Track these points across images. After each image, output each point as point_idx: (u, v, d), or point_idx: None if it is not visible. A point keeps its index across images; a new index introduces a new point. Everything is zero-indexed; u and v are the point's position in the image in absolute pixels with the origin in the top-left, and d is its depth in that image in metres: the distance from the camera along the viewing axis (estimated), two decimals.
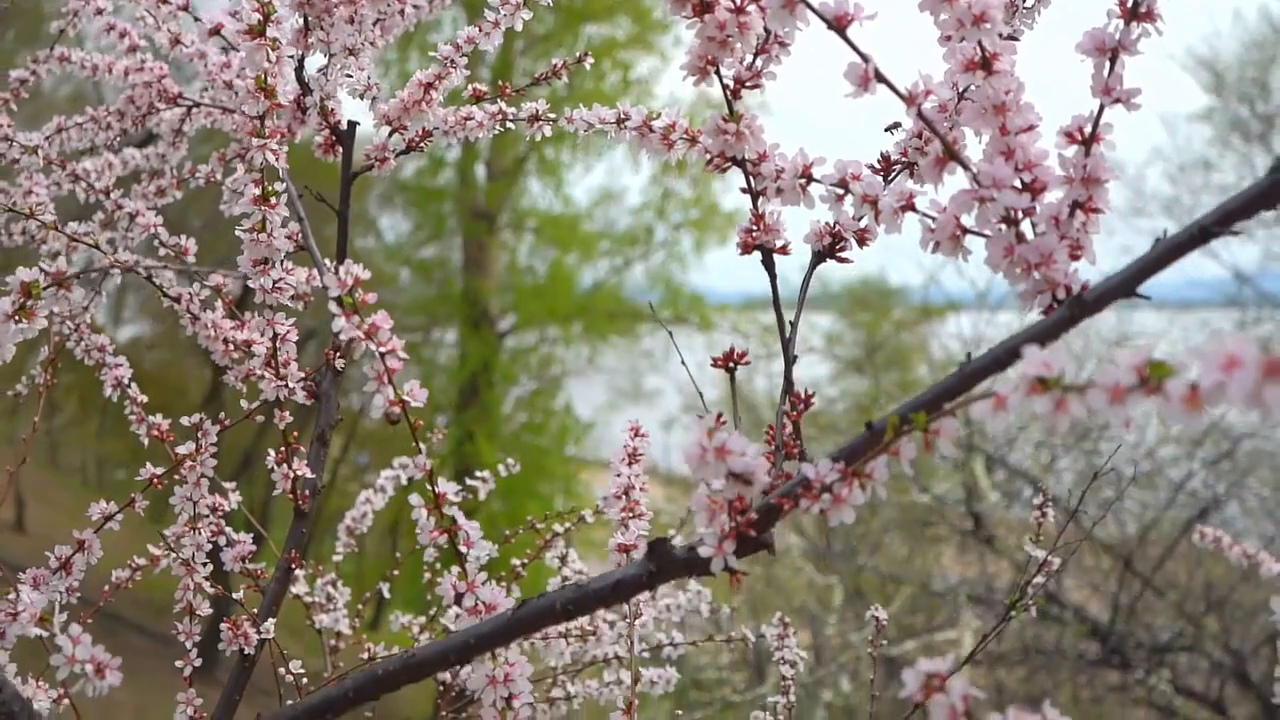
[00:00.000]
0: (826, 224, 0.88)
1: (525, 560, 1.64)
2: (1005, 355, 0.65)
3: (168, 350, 12.33)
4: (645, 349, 12.18)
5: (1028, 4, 0.88)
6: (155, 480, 1.13)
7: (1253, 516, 7.66)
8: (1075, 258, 0.71)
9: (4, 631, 0.89)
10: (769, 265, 0.89)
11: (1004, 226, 0.72)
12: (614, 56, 10.86)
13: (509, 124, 1.26)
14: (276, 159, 0.98)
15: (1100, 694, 6.81)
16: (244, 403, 1.19)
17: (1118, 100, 0.71)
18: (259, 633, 1.14)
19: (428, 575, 1.64)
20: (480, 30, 1.20)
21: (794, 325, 0.87)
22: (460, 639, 0.77)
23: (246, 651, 1.14)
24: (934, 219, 0.77)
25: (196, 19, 1.29)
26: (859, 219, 0.86)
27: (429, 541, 0.86)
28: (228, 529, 1.20)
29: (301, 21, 1.17)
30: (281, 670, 1.25)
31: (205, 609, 1.15)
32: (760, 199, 0.88)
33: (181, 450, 1.11)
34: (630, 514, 1.11)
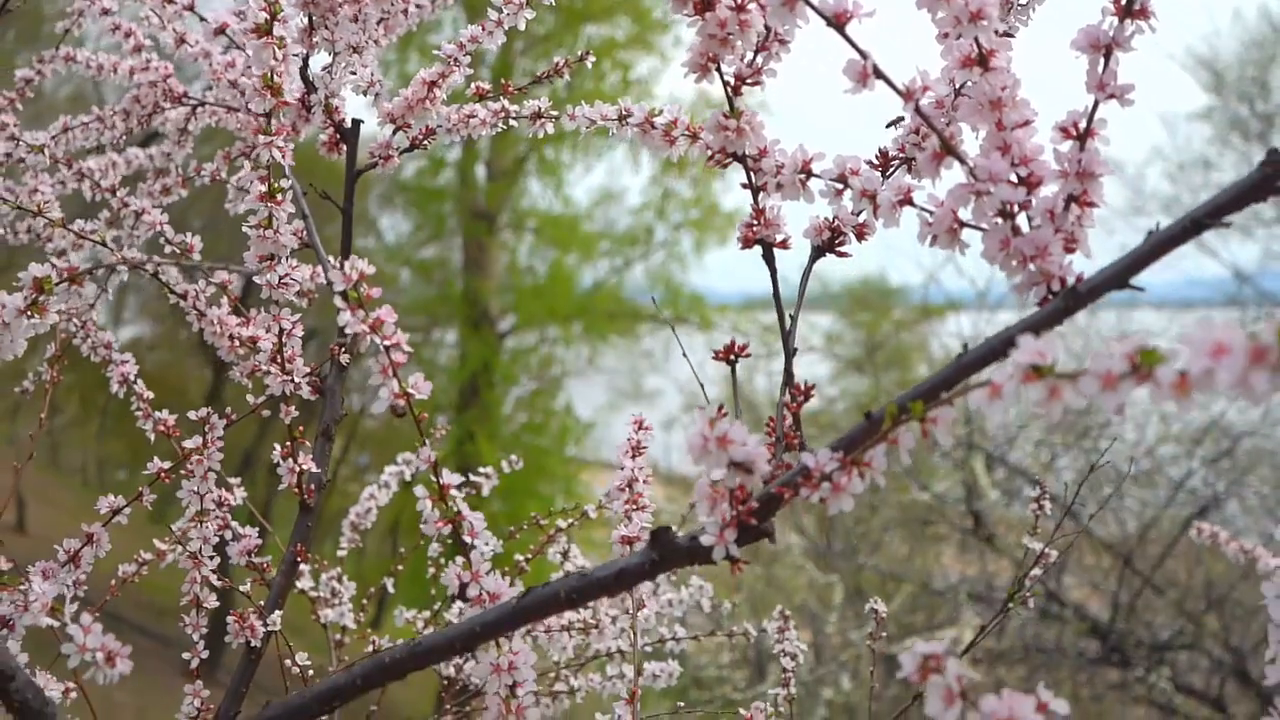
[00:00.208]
0: (825, 219, 0.89)
1: (528, 556, 1.65)
2: (1001, 345, 0.66)
3: (168, 351, 12.35)
4: (645, 349, 12.21)
5: (1022, 1, 0.89)
6: (162, 474, 1.14)
7: (1253, 515, 7.67)
8: (1070, 250, 0.72)
9: (13, 623, 0.90)
10: (769, 259, 0.91)
11: (1000, 220, 0.73)
12: (614, 57, 10.87)
13: (511, 121, 1.27)
14: (283, 156, 1.00)
15: (1100, 692, 6.82)
16: (250, 397, 1.20)
17: (1112, 96, 0.72)
18: (265, 625, 1.15)
19: (432, 570, 1.66)
20: (484, 29, 1.22)
21: (794, 319, 0.88)
22: (466, 626, 0.78)
23: (253, 644, 1.15)
24: (931, 213, 0.78)
25: (202, 19, 1.30)
26: (858, 214, 0.87)
27: (434, 532, 0.87)
28: (233, 523, 1.21)
29: (306, 20, 1.18)
30: (288, 662, 1.26)
31: (212, 601, 1.16)
32: (760, 194, 0.89)
33: (188, 444, 1.13)
34: (633, 506, 1.12)
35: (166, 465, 1.15)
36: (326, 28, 1.18)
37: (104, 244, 1.23)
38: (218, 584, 1.17)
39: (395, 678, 0.81)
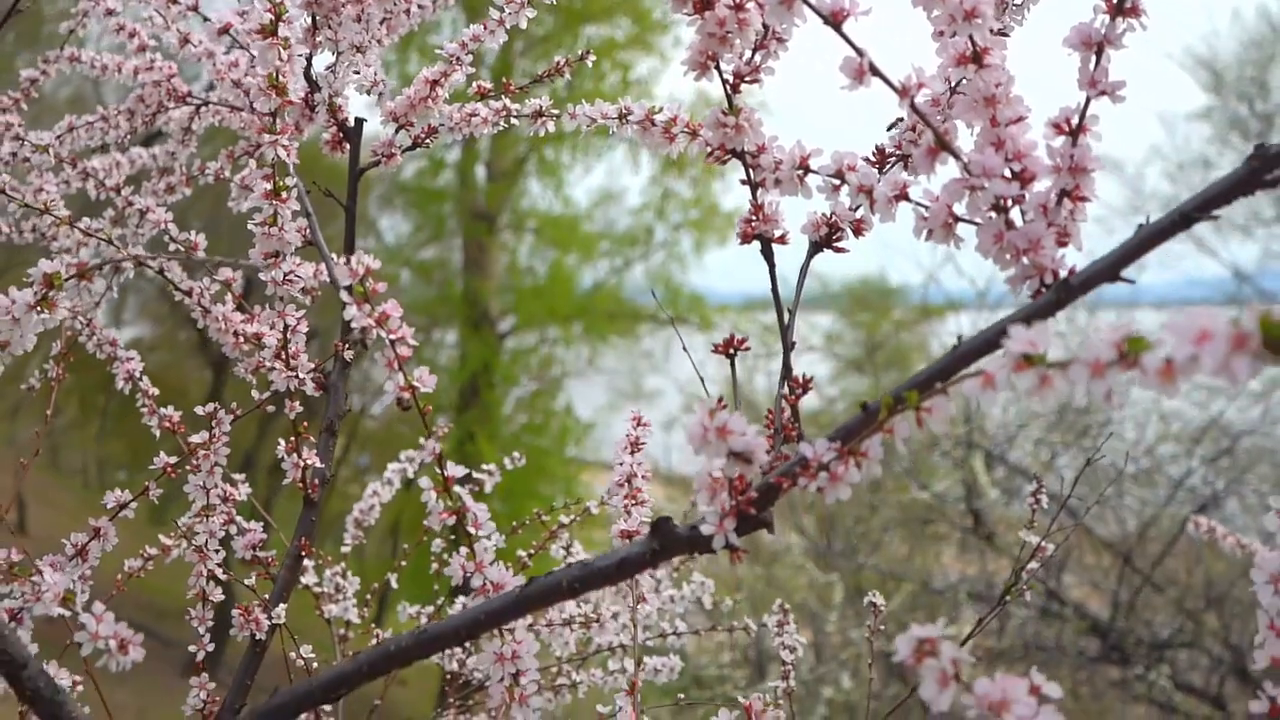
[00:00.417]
0: (823, 215, 0.90)
1: (531, 551, 1.67)
2: (994, 337, 0.67)
3: (168, 352, 12.37)
4: (645, 350, 12.23)
5: (1017, 1, 0.91)
6: (168, 469, 1.16)
7: (1252, 513, 7.68)
8: (1063, 244, 0.73)
9: (21, 615, 0.92)
10: (768, 255, 0.92)
11: (994, 214, 0.75)
12: (614, 57, 10.90)
13: (513, 120, 1.28)
14: (288, 155, 1.01)
15: (1100, 690, 6.83)
16: (255, 393, 1.21)
17: (1103, 93, 0.73)
18: (270, 618, 1.16)
19: (435, 566, 1.67)
20: (485, 28, 1.23)
21: (792, 313, 0.90)
22: (471, 615, 0.80)
23: (258, 637, 1.17)
24: (927, 208, 0.80)
25: (206, 19, 1.32)
26: (855, 209, 0.89)
27: (439, 524, 0.88)
28: (238, 518, 1.22)
29: (309, 20, 1.20)
30: (292, 655, 1.28)
31: (217, 595, 1.17)
32: (759, 190, 0.91)
33: (195, 439, 1.14)
34: (633, 501, 1.14)
35: (173, 460, 1.16)
36: (330, 27, 1.19)
37: (110, 242, 1.24)
38: (223, 578, 1.18)
39: (401, 665, 0.82)
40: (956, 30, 0.76)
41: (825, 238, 0.91)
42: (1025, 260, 0.73)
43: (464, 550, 0.88)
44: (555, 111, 1.25)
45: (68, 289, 0.89)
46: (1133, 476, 7.62)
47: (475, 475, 1.72)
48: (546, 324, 11.51)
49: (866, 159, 0.88)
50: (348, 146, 1.29)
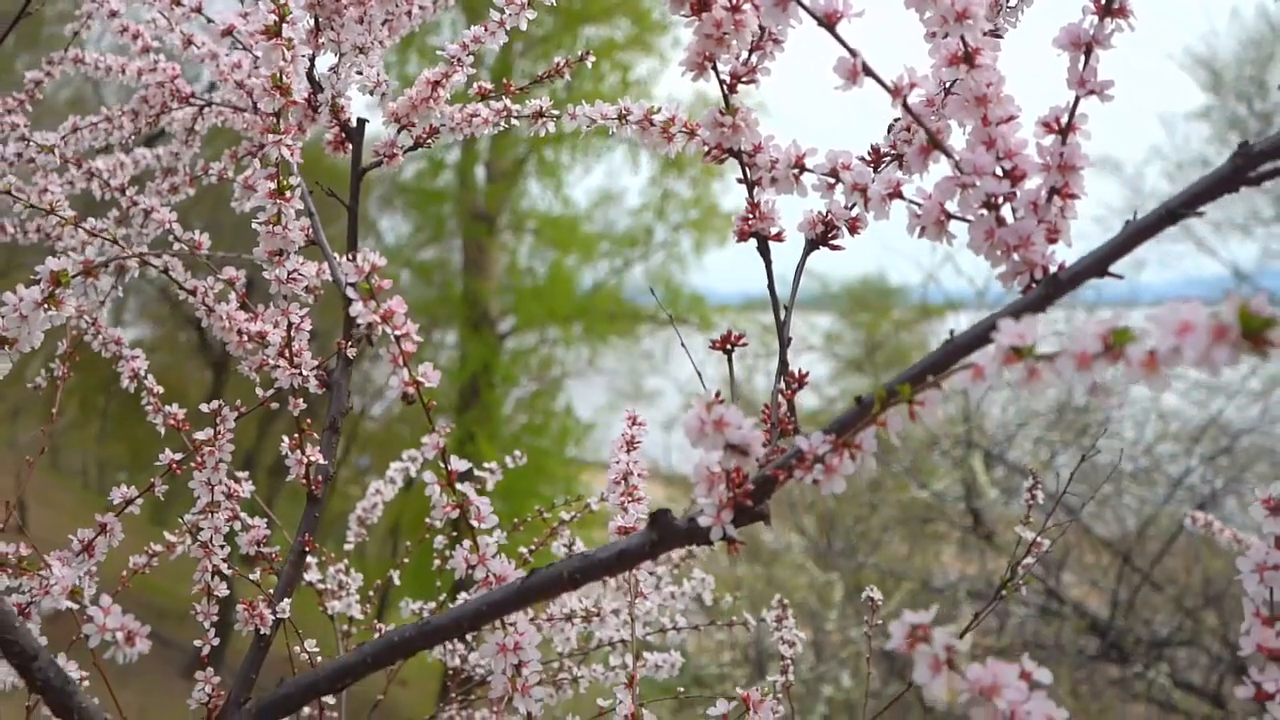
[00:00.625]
0: (819, 213, 0.92)
1: (533, 548, 1.68)
2: (985, 331, 0.69)
3: (168, 354, 12.38)
4: (645, 350, 12.24)
5: (1011, 2, 0.92)
6: (174, 466, 1.17)
7: (1251, 512, 7.68)
8: (1052, 240, 0.75)
9: (30, 610, 0.93)
10: (764, 252, 0.94)
11: (985, 211, 0.76)
12: (613, 58, 10.91)
13: (513, 120, 1.30)
14: (292, 154, 1.02)
15: (1100, 688, 6.85)
16: (260, 390, 1.23)
17: (1092, 92, 0.75)
18: (275, 613, 1.18)
19: (437, 562, 1.68)
20: (486, 30, 1.24)
21: (788, 310, 0.91)
22: (474, 606, 0.81)
23: (262, 632, 1.18)
24: (920, 205, 0.81)
25: (209, 20, 1.33)
26: (850, 207, 0.90)
27: (442, 517, 0.90)
28: (242, 515, 1.24)
29: (312, 22, 1.21)
30: (296, 649, 1.29)
31: (223, 590, 1.19)
32: (755, 188, 0.92)
33: (200, 436, 1.15)
34: (629, 499, 1.15)
35: (178, 457, 1.18)
36: (332, 29, 1.21)
37: (115, 241, 1.26)
38: (227, 573, 1.19)
39: (404, 656, 0.84)
40: (948, 31, 0.77)
41: (821, 235, 0.92)
42: (1016, 256, 0.75)
43: (467, 544, 0.90)
44: (555, 112, 1.26)
45: (74, 287, 0.91)
46: (1132, 475, 7.64)
47: (477, 473, 1.73)
48: (546, 324, 11.52)
49: (861, 158, 0.90)
50: (350, 147, 1.30)
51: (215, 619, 1.19)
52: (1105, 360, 0.54)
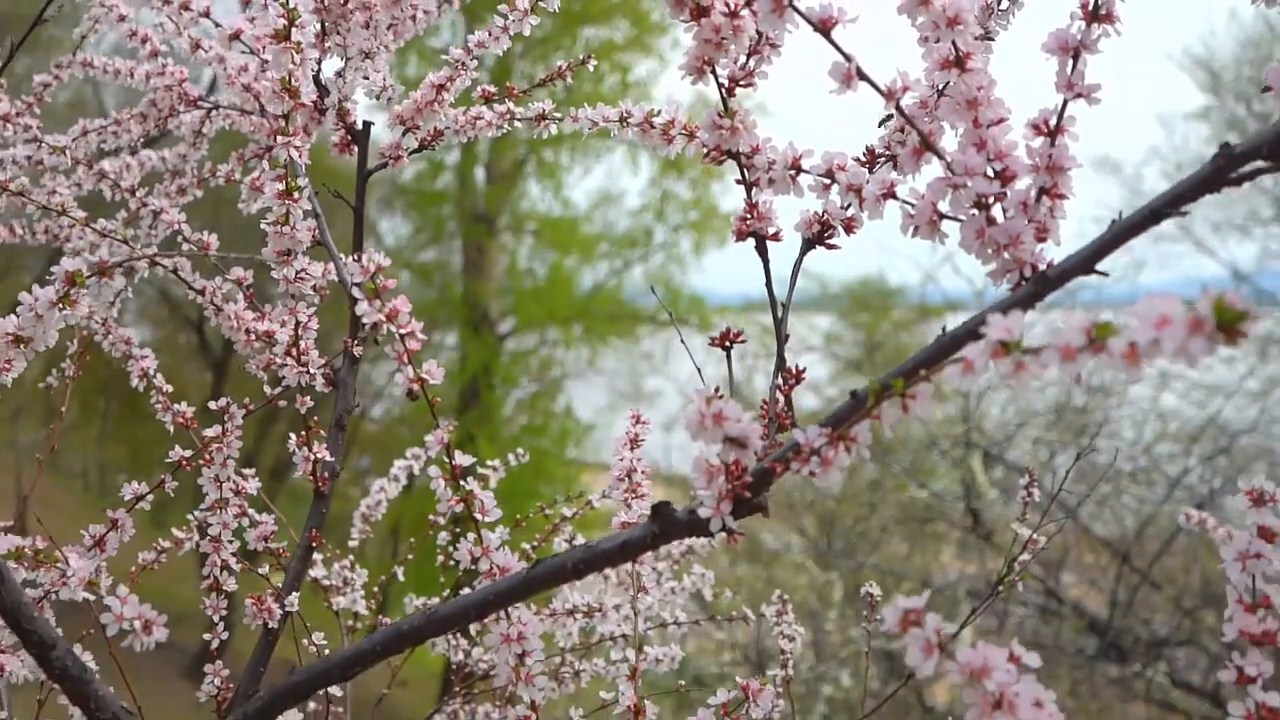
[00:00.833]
0: (815, 213, 0.94)
1: (535, 544, 1.70)
2: (975, 326, 0.71)
3: (168, 355, 12.39)
4: (645, 351, 12.26)
5: (1002, 6, 0.95)
6: (184, 462, 1.19)
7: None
8: (1042, 239, 0.77)
9: (42, 604, 0.96)
10: (762, 251, 0.96)
11: (976, 211, 0.79)
12: (612, 59, 10.93)
13: (516, 123, 1.32)
14: (300, 156, 1.05)
15: (1099, 688, 6.87)
16: (267, 389, 1.25)
17: (1079, 95, 0.77)
18: (283, 607, 1.20)
19: (441, 558, 1.71)
20: (490, 34, 1.27)
21: (786, 307, 0.94)
22: (480, 596, 0.83)
23: (270, 625, 1.20)
24: (913, 205, 0.84)
25: (217, 25, 1.36)
26: (845, 207, 0.93)
27: (447, 510, 0.92)
28: (250, 511, 1.26)
29: (319, 26, 1.23)
30: (304, 641, 1.31)
31: (231, 585, 1.21)
32: (754, 189, 0.95)
33: (208, 433, 1.18)
34: (632, 495, 1.18)
35: (188, 454, 1.20)
36: (339, 33, 1.23)
37: (125, 242, 1.28)
38: (236, 568, 1.21)
39: (414, 644, 0.86)
40: (940, 36, 0.79)
41: (817, 235, 0.94)
42: (1006, 255, 0.77)
43: (471, 536, 0.92)
44: (558, 115, 1.29)
45: (89, 287, 0.93)
46: (1130, 475, 7.67)
47: (480, 471, 1.75)
48: (546, 326, 11.54)
49: (856, 159, 0.92)
50: (356, 149, 1.33)
51: (225, 610, 1.21)
52: (1089, 353, 0.56)
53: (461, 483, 0.93)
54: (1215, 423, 7.91)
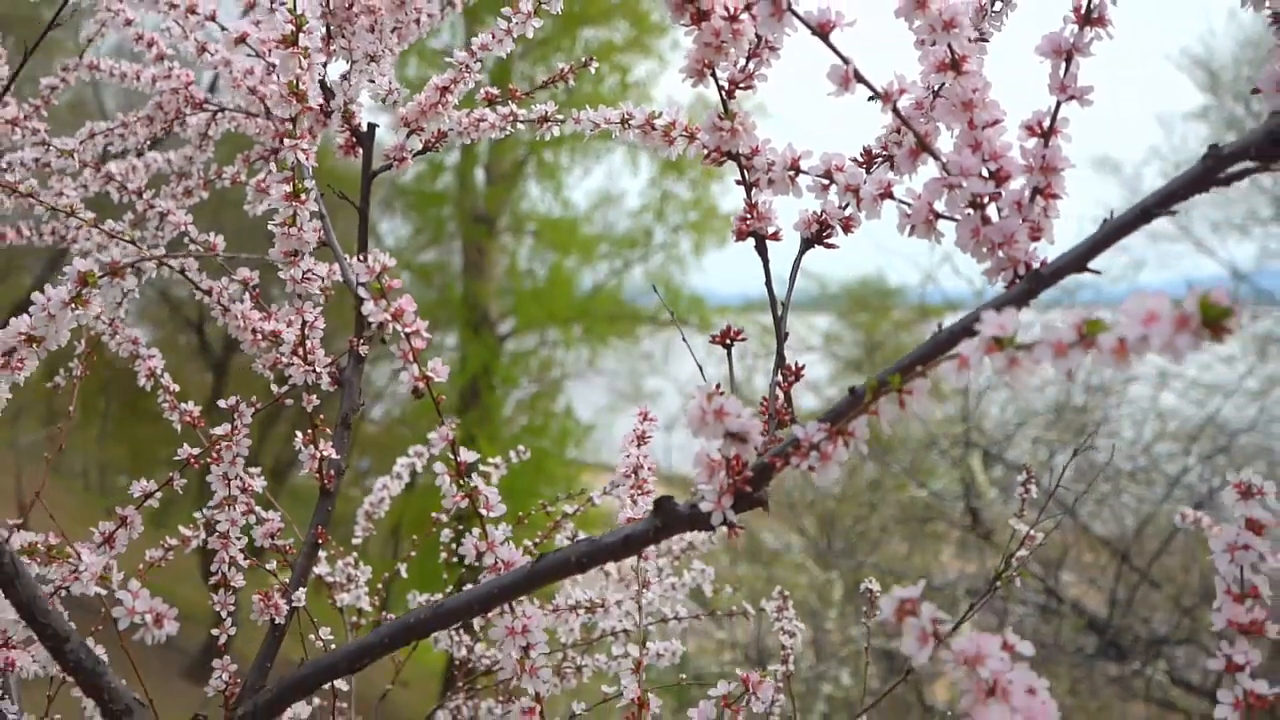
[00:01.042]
0: (814, 212, 0.96)
1: (537, 541, 1.72)
2: (970, 323, 0.73)
3: (169, 356, 12.38)
4: (645, 351, 12.27)
5: (996, 8, 0.96)
6: (192, 460, 1.21)
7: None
8: (1035, 238, 0.79)
9: (53, 600, 0.97)
10: (762, 250, 0.98)
11: (971, 211, 0.80)
12: (612, 60, 10.94)
13: (519, 125, 1.34)
14: (307, 158, 1.06)
15: (1098, 687, 6.88)
16: (274, 388, 1.26)
17: (1072, 97, 0.79)
18: (290, 602, 1.22)
19: (444, 555, 1.72)
20: (493, 37, 1.28)
21: (785, 305, 0.95)
22: (485, 589, 0.85)
23: (277, 621, 1.22)
24: (910, 205, 0.85)
25: (223, 28, 1.37)
26: (844, 207, 0.94)
27: (452, 506, 0.94)
28: (256, 508, 1.28)
29: (324, 30, 1.25)
30: (311, 637, 1.33)
31: (239, 580, 1.22)
32: (753, 190, 0.96)
33: (217, 431, 1.19)
34: (639, 491, 1.19)
35: (196, 452, 1.21)
36: (344, 36, 1.25)
37: (132, 243, 1.30)
38: (244, 564, 1.23)
39: (419, 637, 0.87)
40: (936, 39, 0.81)
41: (816, 234, 0.96)
42: (1001, 253, 0.79)
43: (476, 531, 0.94)
44: (560, 117, 1.30)
45: (101, 286, 0.95)
46: (1130, 474, 7.68)
47: (481, 468, 1.76)
48: (546, 326, 11.55)
49: (854, 160, 0.94)
50: (361, 151, 1.34)
51: (232, 607, 1.23)
52: (1080, 349, 0.58)
53: (466, 479, 0.95)
54: (1214, 422, 7.92)
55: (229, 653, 1.21)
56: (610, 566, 1.80)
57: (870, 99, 0.84)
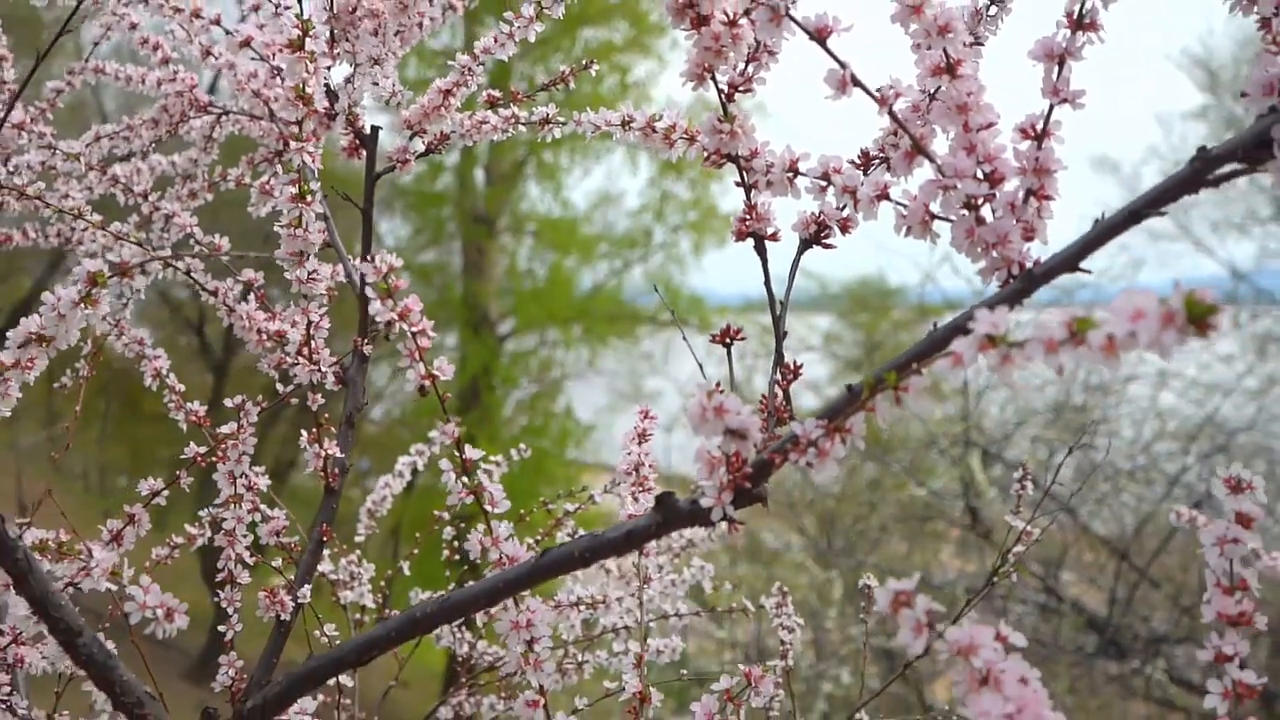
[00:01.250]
0: (812, 214, 0.98)
1: (538, 538, 1.74)
2: (964, 322, 0.74)
3: (169, 357, 12.41)
4: (645, 351, 12.29)
5: (990, 12, 0.98)
6: (199, 458, 1.23)
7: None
8: (1029, 239, 0.80)
9: (64, 591, 0.99)
10: (761, 251, 0.99)
11: (966, 212, 0.82)
12: (611, 60, 10.96)
13: (520, 127, 1.35)
14: (313, 161, 1.08)
15: (1098, 685, 6.90)
16: (279, 387, 1.28)
17: (1065, 100, 0.81)
18: (295, 599, 1.23)
19: (446, 552, 1.74)
20: (495, 40, 1.30)
21: (784, 304, 0.97)
22: (490, 583, 0.86)
23: (283, 617, 1.23)
24: (906, 206, 0.87)
25: (228, 32, 1.39)
26: (841, 208, 0.96)
27: (458, 502, 0.95)
28: (262, 507, 1.29)
29: (328, 34, 1.27)
30: (316, 633, 1.34)
31: (245, 578, 1.24)
32: (752, 191, 0.98)
33: (223, 430, 1.21)
34: (640, 489, 1.21)
35: (202, 450, 1.23)
36: (348, 40, 1.26)
37: (138, 244, 1.31)
38: (250, 561, 1.24)
39: (426, 631, 0.89)
40: (931, 44, 0.83)
41: (814, 235, 0.98)
42: (995, 253, 0.80)
43: (481, 527, 0.95)
44: (562, 119, 1.32)
45: (109, 287, 0.96)
46: (1129, 474, 7.69)
47: (483, 467, 1.78)
48: (546, 326, 11.57)
49: (851, 162, 0.96)
50: (364, 153, 1.36)
51: (238, 605, 1.24)
52: (1070, 345, 0.59)
53: (471, 475, 0.97)
54: (1213, 421, 7.94)
55: (233, 651, 1.22)
56: (611, 564, 1.81)
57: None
